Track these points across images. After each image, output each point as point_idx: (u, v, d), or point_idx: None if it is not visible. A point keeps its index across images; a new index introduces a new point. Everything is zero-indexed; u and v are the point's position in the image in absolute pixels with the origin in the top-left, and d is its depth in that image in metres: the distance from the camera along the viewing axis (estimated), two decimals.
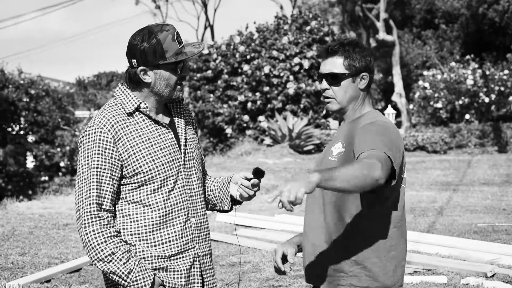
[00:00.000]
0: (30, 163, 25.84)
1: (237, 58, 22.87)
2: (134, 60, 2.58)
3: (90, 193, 2.50)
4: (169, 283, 2.59)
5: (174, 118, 2.72)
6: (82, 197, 2.52)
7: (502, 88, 23.83)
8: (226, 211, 2.88)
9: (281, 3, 50.44)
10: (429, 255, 6.64)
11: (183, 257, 2.62)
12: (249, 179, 2.72)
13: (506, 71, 24.16)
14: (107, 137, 2.52)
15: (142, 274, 2.51)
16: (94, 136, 2.53)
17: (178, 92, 2.64)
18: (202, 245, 2.70)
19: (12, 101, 24.42)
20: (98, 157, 2.52)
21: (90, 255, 2.50)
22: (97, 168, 2.51)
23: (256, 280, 5.87)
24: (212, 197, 2.87)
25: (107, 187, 2.52)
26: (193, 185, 2.69)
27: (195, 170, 2.71)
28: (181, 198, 2.63)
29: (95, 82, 36.06)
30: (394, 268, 2.59)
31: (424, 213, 9.33)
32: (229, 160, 18.60)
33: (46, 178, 25.43)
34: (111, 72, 37.31)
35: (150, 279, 2.52)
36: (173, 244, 2.60)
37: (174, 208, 2.60)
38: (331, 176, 2.16)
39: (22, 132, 25.59)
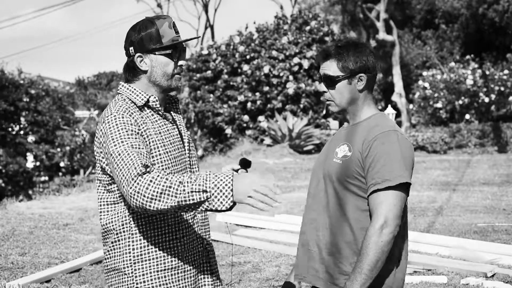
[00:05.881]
0: (30, 163, 25.83)
1: (237, 58, 22.86)
2: (131, 48, 2.57)
3: (132, 161, 2.33)
4: (178, 285, 2.56)
5: (174, 116, 2.72)
6: (126, 165, 2.34)
7: (502, 88, 23.83)
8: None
9: (281, 3, 50.38)
10: (429, 255, 6.64)
11: (193, 254, 2.60)
12: (236, 170, 2.73)
13: (506, 71, 24.17)
14: (129, 119, 2.46)
15: (218, 177, 2.31)
16: (117, 117, 2.45)
17: (177, 82, 2.62)
18: (208, 240, 2.71)
19: (12, 101, 24.41)
20: (129, 138, 2.41)
21: (162, 201, 2.27)
22: (132, 146, 2.39)
23: (256, 280, 5.87)
24: None
25: (144, 150, 2.40)
26: None
27: (196, 167, 2.72)
28: None
29: (95, 82, 36.05)
30: (397, 270, 2.59)
31: (424, 213, 9.33)
32: (229, 160, 18.60)
33: (46, 178, 25.44)
34: (111, 72, 37.29)
35: (229, 176, 2.30)
36: (186, 240, 2.58)
37: None
38: (365, 281, 2.43)
39: (22, 132, 25.58)
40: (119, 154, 2.38)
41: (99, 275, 6.09)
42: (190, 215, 2.62)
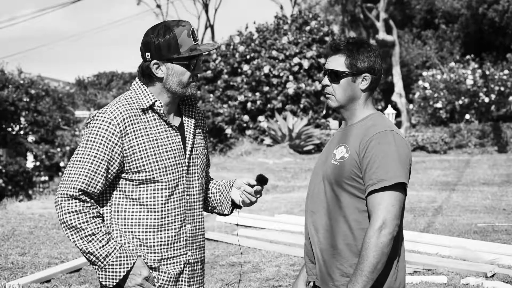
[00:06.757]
0: (30, 163, 25.82)
1: (237, 58, 22.87)
2: (148, 54, 2.56)
3: (79, 177, 2.49)
4: (157, 279, 2.58)
5: (184, 121, 2.69)
6: (68, 178, 2.50)
7: (502, 88, 23.83)
8: (226, 215, 2.86)
9: (281, 3, 50.50)
10: (429, 255, 6.65)
11: (173, 262, 2.61)
12: (252, 186, 2.71)
13: (506, 71, 24.17)
14: (115, 130, 2.51)
15: (121, 260, 2.50)
16: (102, 124, 2.51)
17: (192, 89, 2.62)
18: (195, 252, 2.68)
19: (12, 101, 24.41)
20: (99, 147, 2.50)
21: (68, 232, 2.50)
22: (95, 156, 2.50)
23: (256, 280, 5.87)
24: (213, 200, 2.85)
25: (100, 179, 2.51)
26: (193, 191, 2.67)
27: (197, 176, 2.69)
28: (180, 203, 2.61)
29: (95, 82, 36.05)
30: (397, 271, 2.58)
31: (424, 213, 9.33)
32: (229, 160, 18.61)
33: (46, 178, 25.42)
34: (111, 72, 37.28)
35: (129, 264, 2.51)
36: (165, 248, 2.58)
37: (171, 212, 2.59)
38: (366, 283, 2.43)
39: (22, 132, 25.58)
40: (73, 161, 2.53)
41: None
42: (178, 224, 2.61)
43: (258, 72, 22.24)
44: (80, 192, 2.49)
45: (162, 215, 2.57)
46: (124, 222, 2.57)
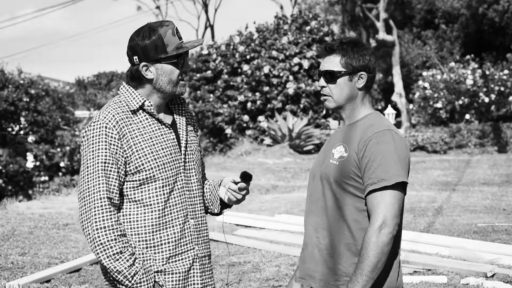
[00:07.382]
0: (30, 163, 25.82)
1: (237, 58, 22.86)
2: (135, 57, 2.58)
3: (100, 187, 2.49)
4: (165, 286, 2.59)
5: (175, 119, 2.71)
6: (89, 191, 2.50)
7: (502, 88, 23.83)
8: (216, 214, 2.88)
9: (281, 3, 50.49)
10: (428, 255, 6.65)
11: (182, 259, 2.62)
12: (236, 183, 2.73)
13: (506, 71, 24.17)
14: (113, 133, 2.52)
15: (146, 277, 2.51)
16: (100, 131, 2.52)
17: (181, 88, 2.64)
18: (201, 246, 2.70)
19: (12, 101, 24.41)
20: (105, 152, 2.50)
21: (97, 250, 2.48)
22: (104, 163, 2.50)
23: (256, 280, 5.87)
24: (205, 200, 2.87)
25: (115, 182, 2.52)
26: (192, 186, 2.69)
27: (194, 172, 2.71)
28: (180, 199, 2.63)
29: (95, 82, 36.07)
30: (396, 270, 2.59)
31: (424, 213, 9.33)
32: (229, 160, 18.60)
33: (46, 178, 25.41)
34: (111, 72, 37.30)
35: (151, 282, 2.53)
36: (172, 245, 2.59)
37: (173, 209, 2.60)
38: (366, 282, 2.43)
39: (22, 132, 25.58)
40: (85, 174, 2.52)
41: (99, 275, 6.09)
42: (182, 220, 2.63)
43: (258, 72, 22.24)
44: (108, 201, 2.49)
45: (165, 212, 2.58)
46: (130, 225, 2.57)
